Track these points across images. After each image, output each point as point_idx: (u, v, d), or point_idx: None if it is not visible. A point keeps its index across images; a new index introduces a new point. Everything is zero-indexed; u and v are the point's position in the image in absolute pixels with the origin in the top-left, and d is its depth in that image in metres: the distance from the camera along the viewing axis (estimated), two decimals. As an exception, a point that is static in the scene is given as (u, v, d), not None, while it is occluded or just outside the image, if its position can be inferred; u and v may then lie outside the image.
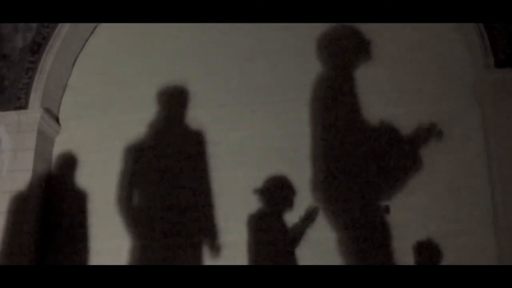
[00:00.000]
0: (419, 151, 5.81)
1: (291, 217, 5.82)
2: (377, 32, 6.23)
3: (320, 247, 5.65)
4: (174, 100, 6.46)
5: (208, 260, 5.84)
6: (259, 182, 5.95)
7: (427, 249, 5.53)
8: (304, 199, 5.84)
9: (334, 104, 6.10)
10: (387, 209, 5.70)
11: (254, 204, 5.90)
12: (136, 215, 6.14)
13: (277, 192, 5.91)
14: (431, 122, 5.85)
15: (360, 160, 5.89)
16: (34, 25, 6.62)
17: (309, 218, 5.74)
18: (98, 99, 6.67)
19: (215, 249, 5.85)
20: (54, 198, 6.37)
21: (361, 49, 6.23)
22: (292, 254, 5.70)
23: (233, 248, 5.80)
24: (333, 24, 6.30)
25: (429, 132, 5.81)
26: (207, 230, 5.95)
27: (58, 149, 6.57)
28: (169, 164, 6.27)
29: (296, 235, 5.73)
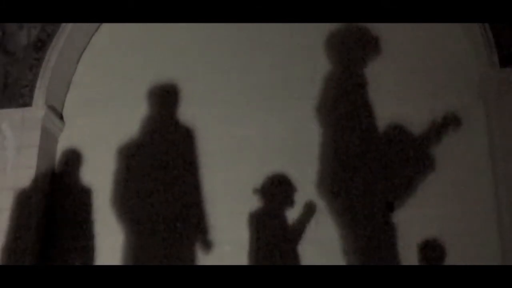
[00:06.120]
0: (432, 148, 5.77)
1: (294, 215, 5.80)
2: (381, 30, 6.18)
3: (323, 245, 5.63)
4: (168, 98, 6.46)
5: (202, 257, 5.87)
6: (261, 180, 5.93)
7: (431, 248, 5.51)
8: (308, 197, 5.81)
9: (341, 102, 6.08)
10: (391, 207, 5.68)
11: (256, 202, 5.89)
12: (132, 212, 6.16)
13: (276, 191, 5.89)
14: (448, 111, 5.81)
15: (366, 158, 5.87)
16: (38, 22, 6.63)
17: (306, 214, 5.73)
18: (103, 96, 6.66)
19: (207, 245, 5.89)
20: (58, 195, 6.37)
21: (369, 45, 6.19)
22: (294, 252, 5.69)
23: (234, 246, 5.79)
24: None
25: (444, 123, 5.77)
26: (199, 227, 5.99)
27: (62, 146, 6.57)
28: (163, 161, 6.28)
29: (295, 232, 5.73)
